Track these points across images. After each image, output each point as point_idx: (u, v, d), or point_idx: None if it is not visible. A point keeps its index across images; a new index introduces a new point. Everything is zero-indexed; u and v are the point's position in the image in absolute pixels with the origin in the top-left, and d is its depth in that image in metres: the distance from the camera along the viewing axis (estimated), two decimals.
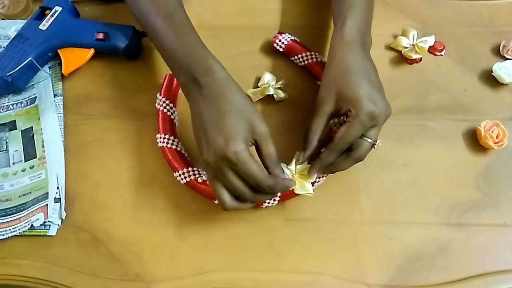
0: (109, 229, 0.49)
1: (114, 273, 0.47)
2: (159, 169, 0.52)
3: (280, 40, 0.56)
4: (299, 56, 0.56)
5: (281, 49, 0.57)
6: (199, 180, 0.48)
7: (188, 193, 0.50)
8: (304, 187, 0.46)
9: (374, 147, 0.45)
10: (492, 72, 0.55)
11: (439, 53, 0.58)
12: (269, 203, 0.48)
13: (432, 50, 0.58)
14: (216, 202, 0.48)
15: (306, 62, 0.56)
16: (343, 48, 0.47)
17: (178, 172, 0.49)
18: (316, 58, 0.55)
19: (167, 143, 0.50)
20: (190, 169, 0.49)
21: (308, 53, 0.55)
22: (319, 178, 0.49)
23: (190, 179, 0.48)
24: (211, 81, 0.43)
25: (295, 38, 0.57)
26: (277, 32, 0.57)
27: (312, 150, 0.46)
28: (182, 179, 0.49)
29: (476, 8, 0.61)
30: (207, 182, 0.48)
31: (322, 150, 0.46)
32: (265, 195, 0.43)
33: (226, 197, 0.42)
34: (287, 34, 0.57)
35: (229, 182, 0.41)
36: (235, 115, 0.42)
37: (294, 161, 0.46)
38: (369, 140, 0.44)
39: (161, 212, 0.50)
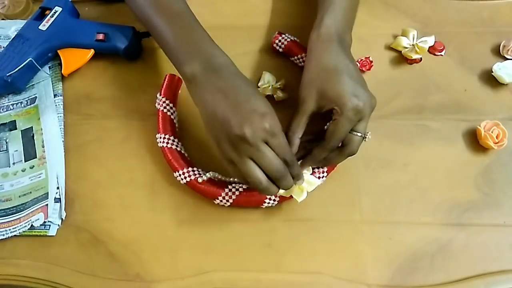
0: (109, 229, 0.49)
1: (114, 273, 0.47)
2: (159, 169, 0.52)
3: (279, 41, 0.56)
4: (299, 56, 0.56)
5: (280, 50, 0.57)
6: (199, 180, 0.48)
7: (188, 193, 0.50)
8: (302, 192, 0.46)
9: (364, 140, 0.46)
10: (492, 72, 0.55)
11: (439, 53, 0.58)
12: (269, 203, 0.48)
13: (432, 50, 0.58)
14: (217, 201, 0.48)
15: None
16: (320, 46, 0.47)
17: (178, 172, 0.49)
18: None
19: (167, 143, 0.50)
20: (190, 169, 0.49)
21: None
22: (320, 178, 0.49)
23: (190, 179, 0.48)
24: (231, 71, 0.45)
25: (295, 39, 0.57)
26: (277, 32, 0.57)
27: (295, 148, 0.46)
28: (182, 179, 0.49)
29: (476, 8, 0.61)
30: (206, 183, 0.48)
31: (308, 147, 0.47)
32: (288, 175, 0.43)
33: (261, 174, 0.42)
34: (286, 34, 0.57)
35: (265, 155, 0.41)
36: (261, 96, 0.44)
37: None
38: (359, 134, 0.45)
39: (161, 212, 0.50)
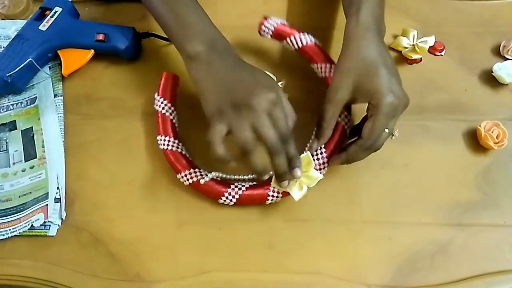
0: (109, 229, 0.49)
1: (114, 273, 0.47)
2: (159, 169, 0.52)
3: (266, 26, 0.53)
4: (289, 39, 0.53)
5: (268, 36, 0.54)
6: (202, 181, 0.48)
7: (188, 193, 0.50)
8: (301, 188, 0.46)
9: (392, 138, 0.46)
10: (492, 72, 0.55)
11: (439, 53, 0.58)
12: (272, 199, 0.48)
13: (432, 50, 0.58)
14: (221, 201, 0.49)
15: (298, 45, 0.53)
16: (359, 34, 0.46)
17: (181, 173, 0.49)
18: (309, 40, 0.53)
19: (168, 145, 0.50)
20: (192, 170, 0.49)
21: (298, 34, 0.53)
22: (321, 170, 0.48)
23: (193, 180, 0.48)
24: (233, 54, 0.47)
25: (283, 22, 0.54)
26: (263, 17, 0.54)
27: (327, 139, 0.47)
28: (185, 181, 0.49)
29: (476, 8, 0.61)
30: (210, 183, 0.48)
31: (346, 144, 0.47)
32: (283, 153, 0.43)
33: (252, 139, 0.42)
34: (272, 18, 0.54)
35: (264, 123, 0.41)
36: (265, 73, 0.45)
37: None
38: (387, 131, 0.44)
39: (161, 212, 0.50)
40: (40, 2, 0.61)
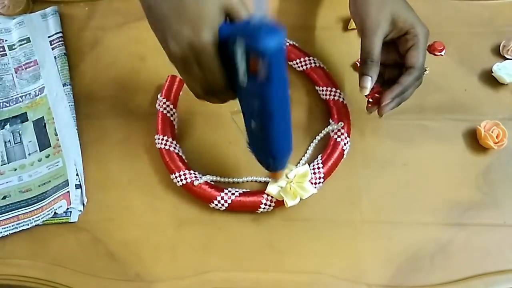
0: (109, 229, 0.49)
1: (114, 273, 0.47)
2: (159, 169, 0.52)
3: None
4: (297, 61, 0.55)
5: None
6: (195, 183, 0.48)
7: (187, 193, 0.50)
8: (295, 197, 0.46)
9: (426, 73, 0.49)
10: (492, 72, 0.55)
11: (439, 53, 0.58)
12: (264, 208, 0.48)
13: (432, 50, 0.58)
14: (212, 205, 0.49)
15: (304, 67, 0.55)
16: None
17: (175, 174, 0.49)
18: (314, 63, 0.55)
19: (165, 144, 0.50)
20: (186, 171, 0.49)
21: (307, 58, 0.55)
22: (317, 184, 0.49)
23: (187, 181, 0.49)
24: None
25: (294, 43, 0.56)
26: None
27: (377, 74, 0.47)
28: (178, 181, 0.49)
29: (476, 8, 0.61)
30: (202, 186, 0.48)
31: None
32: (222, 92, 0.39)
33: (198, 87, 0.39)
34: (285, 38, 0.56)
35: (192, 73, 0.38)
36: (209, 5, 0.36)
37: (291, 169, 0.47)
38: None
39: (161, 212, 0.50)
40: (40, 2, 0.61)
